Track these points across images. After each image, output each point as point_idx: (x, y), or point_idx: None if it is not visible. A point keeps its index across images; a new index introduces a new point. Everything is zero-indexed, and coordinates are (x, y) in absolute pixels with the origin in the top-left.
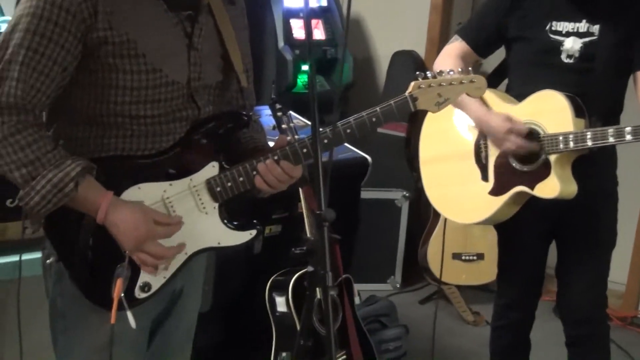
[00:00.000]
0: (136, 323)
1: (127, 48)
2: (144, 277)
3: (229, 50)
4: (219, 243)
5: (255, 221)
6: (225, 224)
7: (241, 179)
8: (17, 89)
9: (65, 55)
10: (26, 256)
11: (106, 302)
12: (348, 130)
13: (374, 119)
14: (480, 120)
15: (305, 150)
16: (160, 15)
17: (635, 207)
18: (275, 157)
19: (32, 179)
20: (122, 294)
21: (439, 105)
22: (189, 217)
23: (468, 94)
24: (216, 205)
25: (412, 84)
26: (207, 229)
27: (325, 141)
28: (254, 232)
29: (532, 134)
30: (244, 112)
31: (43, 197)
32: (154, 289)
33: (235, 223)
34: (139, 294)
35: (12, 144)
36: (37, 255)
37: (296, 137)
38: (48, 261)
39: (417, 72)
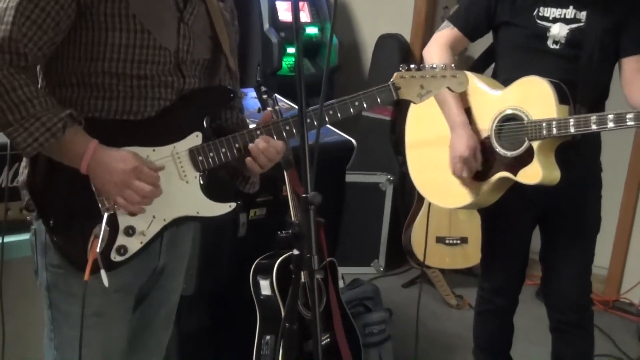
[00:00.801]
0: (119, 292)
1: (119, 7)
2: (121, 240)
3: (218, 34)
4: (197, 212)
5: (236, 195)
6: (205, 194)
7: (223, 149)
8: (11, 32)
9: (58, 10)
10: (10, 238)
11: (85, 264)
12: (330, 112)
13: (356, 104)
14: (454, 128)
15: (287, 127)
16: None
17: (618, 192)
18: (259, 132)
19: (22, 118)
20: (99, 254)
21: (421, 97)
22: (169, 184)
23: (450, 88)
24: (197, 174)
25: (396, 74)
26: (186, 197)
27: (308, 121)
28: (233, 204)
29: (514, 119)
30: (231, 88)
31: (31, 134)
32: (130, 252)
33: (215, 194)
34: (115, 257)
35: (5, 84)
36: (22, 237)
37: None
38: (33, 226)
39: (402, 64)
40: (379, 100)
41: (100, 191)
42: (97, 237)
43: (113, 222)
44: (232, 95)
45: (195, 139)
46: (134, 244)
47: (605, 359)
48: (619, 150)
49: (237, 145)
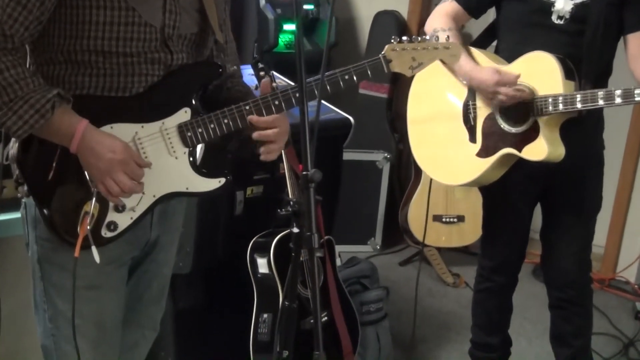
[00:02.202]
0: (112, 264)
1: None
2: (111, 216)
3: (205, 6)
4: (187, 188)
5: (227, 170)
6: (194, 170)
7: (212, 126)
8: None
9: None
10: (5, 216)
11: (75, 239)
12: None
13: (346, 77)
14: (470, 76)
15: (277, 102)
16: None
17: (615, 170)
18: (247, 107)
19: (10, 101)
20: (89, 230)
21: (413, 69)
22: (158, 160)
23: (442, 61)
24: (186, 150)
25: (387, 46)
26: (176, 173)
27: (297, 95)
28: (222, 180)
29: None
30: (219, 64)
31: (20, 117)
32: (120, 228)
33: (204, 170)
34: (105, 233)
35: None
36: (17, 215)
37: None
38: (23, 200)
39: (393, 37)
40: (369, 73)
41: (88, 172)
42: (87, 213)
43: (103, 198)
44: (220, 70)
45: (184, 114)
46: (124, 220)
47: (601, 337)
48: (616, 128)
49: (225, 121)
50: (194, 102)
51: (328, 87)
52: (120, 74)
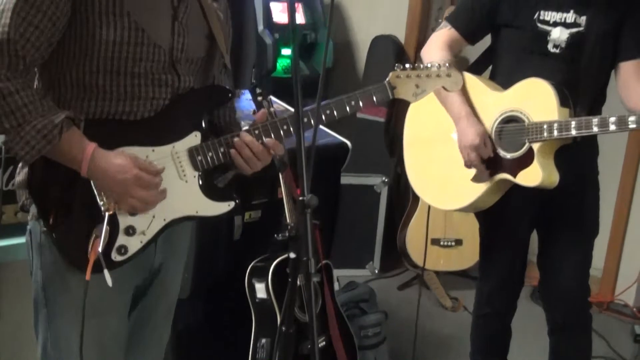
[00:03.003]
0: (116, 290)
1: (113, 5)
2: (121, 239)
3: (213, 31)
4: (197, 212)
5: (234, 194)
6: (204, 193)
7: (222, 149)
8: (8, 34)
9: (54, 9)
10: (5, 242)
11: (85, 263)
12: (327, 112)
13: (352, 103)
14: (460, 120)
15: (285, 127)
16: None
17: (612, 194)
18: (257, 131)
19: (19, 125)
20: (100, 254)
21: (416, 96)
22: (169, 184)
23: (444, 88)
24: (196, 174)
25: (391, 73)
26: (186, 197)
27: (305, 120)
28: (232, 203)
29: (514, 121)
30: (229, 88)
31: (27, 142)
32: (130, 252)
33: (214, 194)
34: (115, 257)
35: (1, 88)
36: (16, 241)
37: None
38: (28, 226)
39: (397, 64)
40: (375, 99)
41: (101, 194)
42: (98, 236)
43: (113, 222)
44: (230, 94)
45: (194, 138)
46: (134, 244)
47: None
48: (613, 152)
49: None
50: (203, 125)
51: (335, 113)
52: (127, 97)
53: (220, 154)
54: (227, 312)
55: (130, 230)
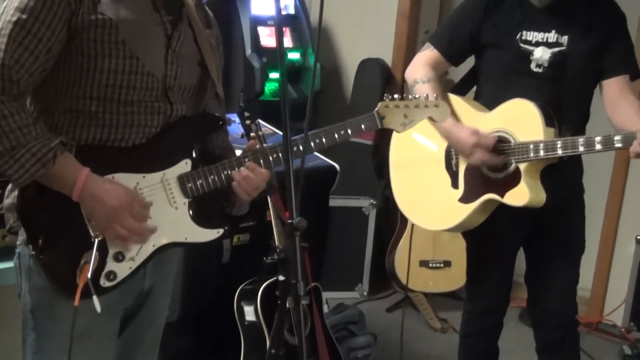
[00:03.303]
0: (105, 314)
1: (109, 33)
2: (110, 265)
3: (205, 59)
4: (185, 238)
5: (223, 221)
6: (193, 220)
7: (212, 177)
8: (3, 59)
9: (50, 36)
10: None
11: (73, 289)
12: (317, 141)
13: (342, 132)
14: (448, 132)
15: (275, 155)
16: (146, 12)
17: (599, 214)
18: (247, 159)
19: (12, 148)
20: (89, 279)
21: (404, 126)
22: (158, 211)
23: (432, 118)
24: (186, 201)
25: (380, 103)
26: (175, 223)
27: (295, 149)
28: (220, 230)
29: (501, 141)
30: (220, 116)
31: (21, 165)
32: (119, 278)
33: (203, 221)
34: (104, 283)
35: None
36: (5, 265)
37: (265, 145)
38: (17, 249)
39: (386, 94)
40: (363, 128)
41: (90, 220)
42: (87, 262)
43: (102, 247)
44: (221, 123)
45: (184, 166)
46: (123, 270)
47: None
48: (600, 171)
49: (225, 172)
50: (194, 153)
51: (324, 141)
52: (119, 124)
53: (210, 181)
54: (216, 335)
55: (119, 256)
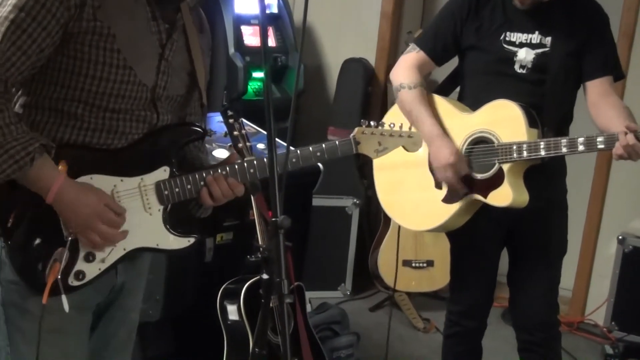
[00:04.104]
0: (77, 310)
1: (105, 41)
2: (79, 265)
3: (196, 69)
4: (157, 245)
5: (197, 230)
6: (166, 227)
7: (189, 186)
8: None
9: (45, 37)
10: None
11: (42, 286)
12: (294, 160)
13: (318, 154)
14: (433, 140)
15: (252, 170)
16: (143, 21)
17: (581, 214)
18: (224, 173)
19: None
20: (59, 278)
21: (378, 153)
22: (133, 215)
23: (404, 148)
24: (161, 207)
25: (357, 129)
26: (148, 229)
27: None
28: (192, 239)
29: (484, 142)
30: (202, 127)
31: None
32: (87, 278)
33: (176, 228)
34: (72, 282)
35: None
36: None
37: (248, 144)
38: None
39: (362, 120)
40: (339, 152)
41: (65, 224)
42: (57, 260)
43: (74, 247)
44: (201, 132)
45: (162, 173)
46: (92, 270)
47: None
48: (582, 172)
49: (202, 183)
50: (173, 161)
51: (301, 162)
52: (103, 129)
53: (187, 191)
54: (198, 335)
55: (90, 257)
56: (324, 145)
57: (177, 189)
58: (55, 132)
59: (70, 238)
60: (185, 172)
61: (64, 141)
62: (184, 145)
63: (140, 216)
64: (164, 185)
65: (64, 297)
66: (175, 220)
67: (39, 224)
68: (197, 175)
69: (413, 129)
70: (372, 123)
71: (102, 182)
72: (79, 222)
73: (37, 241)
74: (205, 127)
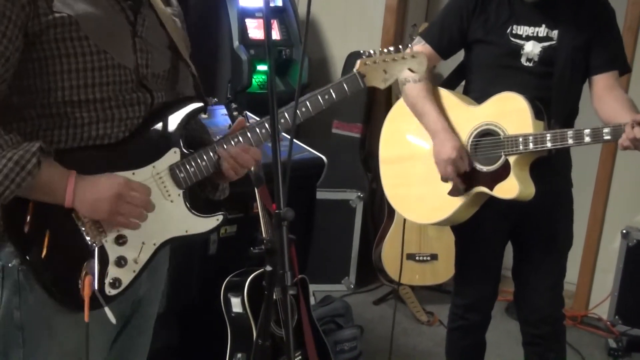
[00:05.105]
0: (103, 329)
1: (70, 30)
2: (113, 272)
3: (175, 41)
4: (186, 231)
5: (222, 206)
6: (191, 211)
7: (203, 163)
8: None
9: (7, 44)
10: None
11: (76, 302)
12: (303, 109)
13: (326, 97)
14: (436, 134)
15: (263, 130)
16: (103, 1)
17: (585, 208)
18: (236, 139)
19: None
20: (97, 291)
21: (386, 82)
22: (155, 207)
23: (411, 69)
24: (180, 192)
25: (359, 61)
26: (173, 217)
27: (282, 120)
28: (220, 217)
29: (490, 135)
30: (202, 99)
31: (6, 176)
32: (124, 284)
33: (200, 209)
34: (109, 291)
35: None
36: None
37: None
38: (10, 264)
39: (362, 51)
40: (347, 89)
41: (88, 223)
42: (88, 273)
43: (102, 255)
44: (204, 104)
45: (173, 155)
46: (127, 275)
47: None
48: (585, 166)
49: (216, 156)
50: (181, 141)
51: (310, 109)
52: (99, 120)
53: (202, 168)
54: (202, 327)
55: (122, 262)
56: (330, 87)
57: (192, 169)
58: (51, 137)
59: (95, 246)
60: (192, 148)
61: (61, 144)
62: (188, 121)
63: (162, 206)
64: (177, 168)
65: (107, 310)
66: (196, 201)
67: (58, 238)
68: (209, 149)
69: (416, 50)
70: (371, 51)
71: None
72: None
73: (61, 257)
74: (203, 96)
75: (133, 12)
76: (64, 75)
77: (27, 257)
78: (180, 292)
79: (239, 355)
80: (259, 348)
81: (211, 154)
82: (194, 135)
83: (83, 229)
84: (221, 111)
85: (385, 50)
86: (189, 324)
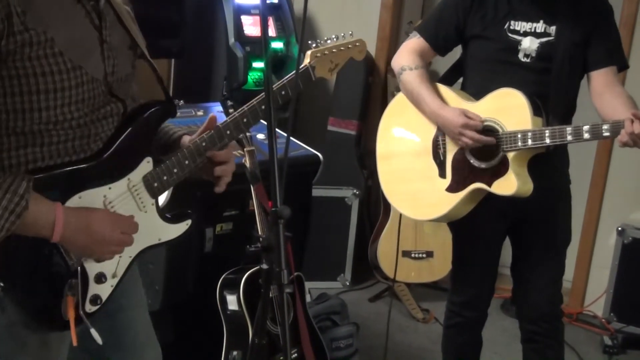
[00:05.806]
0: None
1: (45, 47)
2: (93, 289)
3: (135, 38)
4: (159, 239)
5: (189, 211)
6: (162, 219)
7: (175, 170)
8: None
9: None
10: None
11: (57, 323)
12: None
13: (282, 92)
14: (435, 114)
15: (228, 132)
16: (71, 7)
17: (581, 205)
18: (204, 144)
19: None
20: (82, 312)
21: (332, 71)
22: None
23: (353, 57)
24: (153, 201)
25: (309, 52)
26: (148, 227)
27: (244, 120)
28: (189, 221)
29: (489, 131)
30: (170, 101)
31: None
32: (103, 298)
33: (170, 216)
34: (90, 309)
35: None
36: None
37: (248, 134)
38: None
39: (310, 41)
40: (300, 83)
41: (80, 254)
42: (70, 294)
43: (83, 273)
44: (173, 107)
45: (147, 165)
46: (105, 290)
47: None
48: (581, 163)
49: (186, 162)
50: (152, 149)
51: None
52: (75, 138)
53: (174, 175)
54: (198, 325)
55: (102, 278)
56: (285, 81)
57: (165, 177)
58: (24, 155)
59: (77, 267)
60: (164, 152)
61: (37, 163)
62: (157, 127)
63: (138, 217)
64: (151, 177)
65: (93, 331)
66: (165, 208)
67: (35, 257)
68: (179, 156)
69: (356, 37)
70: (318, 41)
71: (91, 196)
72: (94, 253)
73: (40, 276)
74: (167, 92)
75: (97, 14)
76: (41, 96)
77: (3, 276)
78: (176, 290)
79: (235, 352)
80: (256, 346)
81: (183, 161)
82: (160, 137)
83: (63, 250)
84: (217, 108)
85: (329, 40)
86: (185, 321)
